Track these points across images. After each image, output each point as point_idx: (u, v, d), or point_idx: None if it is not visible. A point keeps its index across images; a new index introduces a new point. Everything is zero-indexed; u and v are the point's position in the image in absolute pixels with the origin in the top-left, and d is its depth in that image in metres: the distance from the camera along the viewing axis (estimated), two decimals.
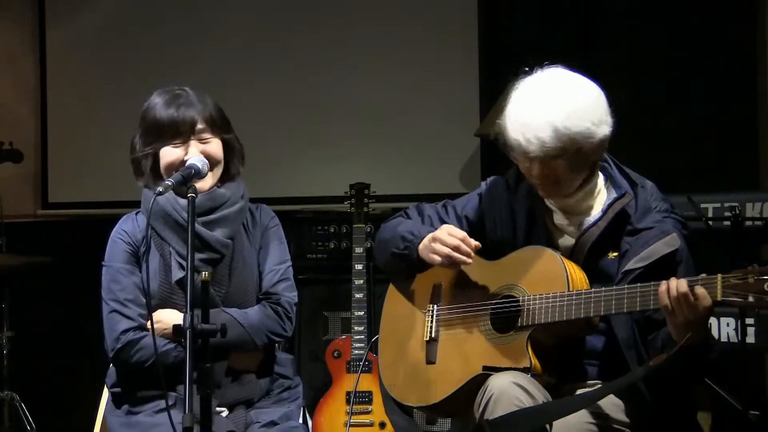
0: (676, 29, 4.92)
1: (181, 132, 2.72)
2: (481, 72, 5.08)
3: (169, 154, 2.73)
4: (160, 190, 2.47)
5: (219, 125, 2.78)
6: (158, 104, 2.75)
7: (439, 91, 5.12)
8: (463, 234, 2.62)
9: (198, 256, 2.70)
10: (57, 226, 5.38)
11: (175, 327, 2.31)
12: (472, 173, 5.09)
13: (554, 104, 2.51)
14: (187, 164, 2.64)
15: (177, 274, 2.72)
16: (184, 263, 2.71)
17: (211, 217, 2.75)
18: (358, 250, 4.26)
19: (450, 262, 2.63)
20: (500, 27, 5.13)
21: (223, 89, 5.35)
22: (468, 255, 2.61)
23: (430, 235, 2.68)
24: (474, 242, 2.62)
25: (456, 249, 2.61)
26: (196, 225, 2.68)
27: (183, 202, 2.71)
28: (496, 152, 4.98)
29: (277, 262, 2.85)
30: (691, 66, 4.89)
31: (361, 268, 4.23)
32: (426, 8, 5.16)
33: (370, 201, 4.35)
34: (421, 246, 2.70)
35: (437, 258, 2.64)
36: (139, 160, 2.77)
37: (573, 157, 2.53)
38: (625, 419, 2.58)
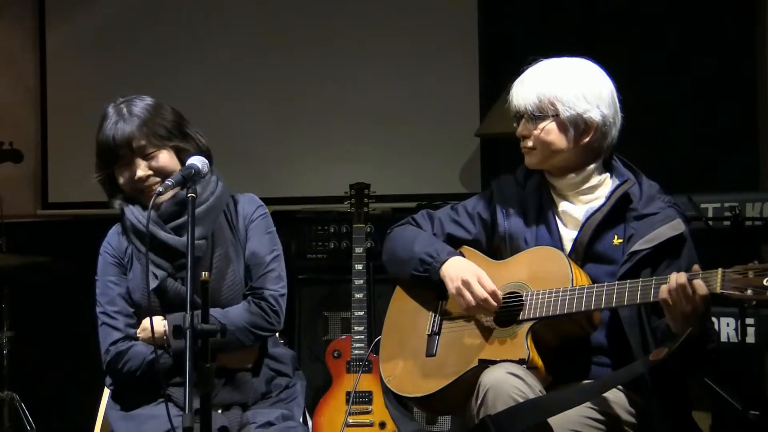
0: (676, 29, 4.93)
1: (121, 155, 2.74)
2: (481, 72, 5.08)
3: (119, 176, 2.77)
4: (160, 190, 2.49)
5: (163, 135, 2.75)
6: (101, 126, 2.77)
7: (439, 91, 5.11)
8: (492, 288, 2.64)
9: (173, 264, 2.73)
10: (57, 226, 5.37)
11: (175, 327, 2.31)
12: (472, 173, 5.09)
13: (553, 71, 2.69)
14: (187, 164, 2.64)
15: (152, 282, 2.72)
16: (157, 272, 2.72)
17: (179, 221, 2.75)
18: (358, 250, 4.26)
19: (472, 313, 2.67)
20: (500, 27, 5.13)
21: (224, 90, 5.38)
22: (490, 311, 2.64)
23: (459, 276, 2.67)
24: (500, 300, 2.64)
25: (485, 302, 2.63)
26: (163, 233, 2.73)
27: (146, 212, 2.72)
28: (496, 152, 5.05)
29: (261, 254, 2.83)
30: (691, 66, 4.89)
31: (361, 268, 4.23)
32: (426, 8, 5.16)
33: (370, 201, 4.36)
34: (443, 271, 2.72)
35: (462, 302, 2.67)
36: (101, 185, 2.82)
37: (551, 125, 2.66)
38: (626, 416, 2.59)
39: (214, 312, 2.69)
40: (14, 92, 5.51)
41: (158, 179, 2.73)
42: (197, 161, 2.62)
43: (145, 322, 2.74)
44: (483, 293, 2.63)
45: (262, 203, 2.91)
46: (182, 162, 2.74)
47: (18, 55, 5.52)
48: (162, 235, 2.72)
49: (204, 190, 2.76)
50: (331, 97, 5.21)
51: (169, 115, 2.79)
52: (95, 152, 2.79)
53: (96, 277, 2.84)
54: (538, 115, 2.67)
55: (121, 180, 2.77)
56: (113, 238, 2.87)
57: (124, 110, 2.75)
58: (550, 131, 2.67)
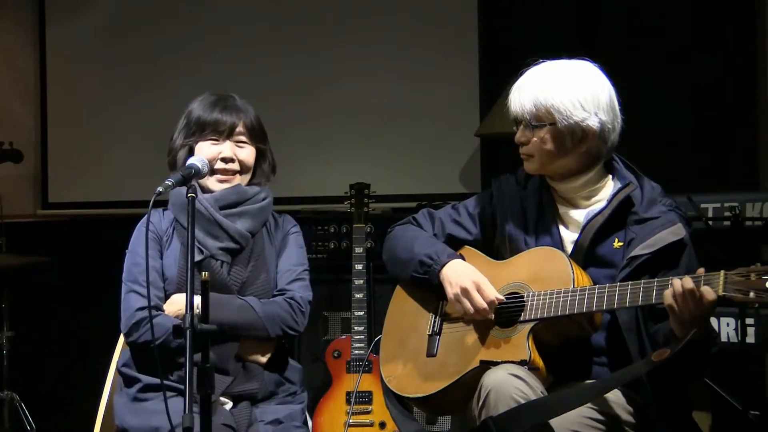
0: (676, 29, 4.93)
1: (221, 131, 2.92)
2: (481, 72, 5.08)
3: (204, 149, 2.91)
4: (160, 190, 2.52)
5: (257, 134, 2.98)
6: (205, 104, 2.95)
7: (439, 91, 5.11)
8: (492, 297, 2.64)
9: (217, 244, 2.87)
10: (57, 226, 5.37)
11: (175, 327, 2.33)
12: (472, 173, 5.09)
13: (550, 78, 2.66)
14: (187, 164, 2.69)
15: (196, 256, 2.83)
16: (202, 249, 2.86)
17: (234, 210, 2.92)
18: (358, 250, 4.26)
19: (468, 318, 2.68)
20: (500, 27, 5.13)
21: (223, 90, 5.37)
22: (486, 319, 2.65)
23: (459, 283, 2.67)
24: (498, 301, 2.64)
25: (482, 311, 2.64)
26: (218, 216, 2.88)
27: (206, 195, 2.92)
28: (496, 152, 5.05)
29: (294, 264, 2.98)
30: (691, 66, 4.89)
31: (361, 268, 4.23)
32: (426, 8, 5.16)
33: (370, 201, 4.35)
34: (443, 274, 2.72)
35: (459, 309, 2.68)
36: (176, 152, 2.95)
37: (549, 133, 2.64)
38: (626, 415, 2.59)
39: (250, 300, 2.85)
40: (14, 92, 5.51)
41: (236, 168, 2.93)
42: (197, 161, 2.70)
43: (177, 297, 2.84)
44: (481, 303, 2.63)
45: (297, 224, 3.08)
46: (256, 163, 2.99)
47: (18, 55, 5.52)
48: (217, 216, 2.87)
49: (260, 192, 2.97)
50: (331, 97, 5.21)
51: (260, 121, 3.01)
52: (186, 122, 2.95)
53: (127, 250, 2.94)
54: (535, 124, 2.65)
55: (203, 154, 2.87)
56: (154, 216, 2.98)
57: (230, 101, 2.98)
58: (547, 140, 2.65)
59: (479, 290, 2.64)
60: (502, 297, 2.65)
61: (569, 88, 2.63)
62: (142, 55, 5.36)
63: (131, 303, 2.85)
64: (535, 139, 2.66)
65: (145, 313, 2.81)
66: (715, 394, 3.74)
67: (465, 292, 2.65)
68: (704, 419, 3.81)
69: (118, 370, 2.91)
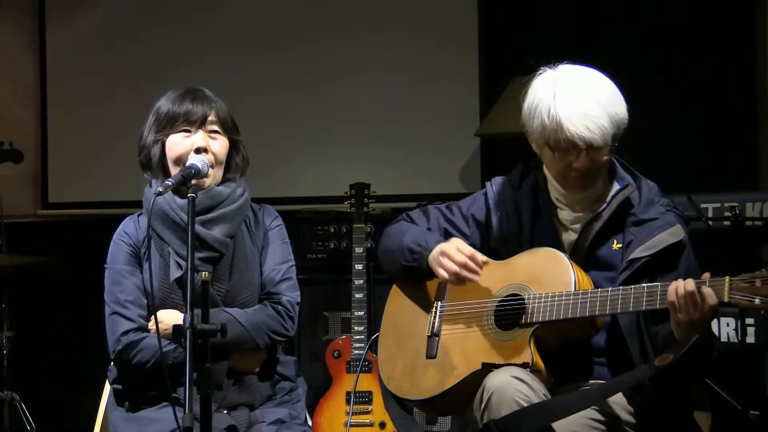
0: (676, 29, 4.93)
1: (192, 121, 2.76)
2: (481, 72, 5.07)
3: (177, 141, 2.76)
4: (160, 190, 2.48)
5: (229, 125, 2.83)
6: (174, 97, 2.80)
7: (439, 90, 5.11)
8: (471, 251, 2.64)
9: (197, 255, 2.70)
10: (57, 226, 5.38)
11: (175, 327, 2.31)
12: (472, 173, 5.08)
13: (599, 93, 2.58)
14: (187, 164, 2.65)
15: (175, 273, 2.73)
16: (182, 262, 2.72)
17: (210, 215, 2.76)
18: (358, 250, 4.26)
19: (456, 279, 2.65)
20: (500, 27, 5.12)
21: (224, 90, 5.35)
22: (475, 272, 2.63)
23: (438, 248, 2.68)
24: (481, 258, 2.64)
25: (464, 266, 2.62)
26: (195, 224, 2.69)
27: (181, 201, 2.74)
28: (496, 152, 5.05)
29: (278, 262, 2.85)
30: (691, 66, 4.89)
31: (361, 268, 4.23)
32: (426, 8, 5.16)
33: (370, 201, 4.36)
34: (430, 258, 2.71)
35: (444, 274, 2.66)
36: (148, 149, 2.81)
37: (608, 154, 2.62)
38: (627, 416, 2.59)
39: (233, 311, 2.73)
40: (14, 92, 5.51)
41: (211, 159, 2.75)
42: (197, 161, 2.66)
43: (161, 314, 2.71)
44: (461, 257, 2.62)
45: (279, 215, 2.95)
46: (229, 156, 2.83)
47: (18, 55, 5.52)
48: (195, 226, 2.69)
49: (236, 189, 2.83)
50: (331, 96, 5.21)
51: (231, 113, 2.86)
52: (155, 117, 2.80)
53: (105, 266, 2.81)
54: (611, 142, 2.59)
55: (175, 148, 2.76)
56: (129, 226, 2.85)
57: (200, 93, 2.82)
58: (605, 160, 2.62)
59: (458, 248, 2.64)
60: (486, 257, 2.63)
61: (616, 96, 2.61)
62: (142, 55, 5.36)
63: (116, 327, 2.73)
64: (601, 156, 2.60)
65: (131, 337, 2.71)
66: (715, 394, 3.74)
67: (445, 253, 2.65)
68: (704, 419, 3.81)
69: (111, 386, 2.83)
